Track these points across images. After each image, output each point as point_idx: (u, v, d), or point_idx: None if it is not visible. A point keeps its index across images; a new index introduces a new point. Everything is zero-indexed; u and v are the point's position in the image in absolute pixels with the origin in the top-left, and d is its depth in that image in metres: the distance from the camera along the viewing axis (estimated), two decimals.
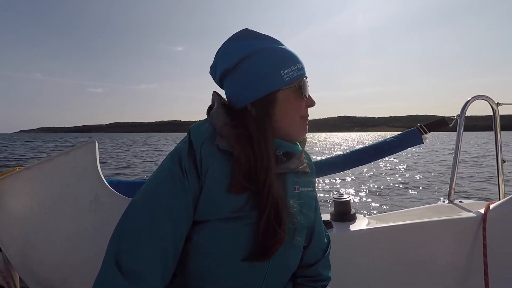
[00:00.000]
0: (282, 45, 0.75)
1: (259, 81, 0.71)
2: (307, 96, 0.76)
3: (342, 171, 1.61)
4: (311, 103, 0.78)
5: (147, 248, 0.60)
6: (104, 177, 1.17)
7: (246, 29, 0.76)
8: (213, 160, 0.67)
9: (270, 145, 0.70)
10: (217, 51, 0.77)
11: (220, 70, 0.76)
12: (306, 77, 0.77)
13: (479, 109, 1.70)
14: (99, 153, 1.19)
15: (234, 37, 0.75)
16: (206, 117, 0.78)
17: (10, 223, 1.08)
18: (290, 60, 0.73)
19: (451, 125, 1.71)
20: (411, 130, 1.69)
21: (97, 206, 1.13)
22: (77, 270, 1.13)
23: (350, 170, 1.71)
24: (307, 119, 0.79)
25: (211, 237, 0.66)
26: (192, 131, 0.71)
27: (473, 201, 1.75)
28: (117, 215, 1.13)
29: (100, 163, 1.19)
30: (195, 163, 0.67)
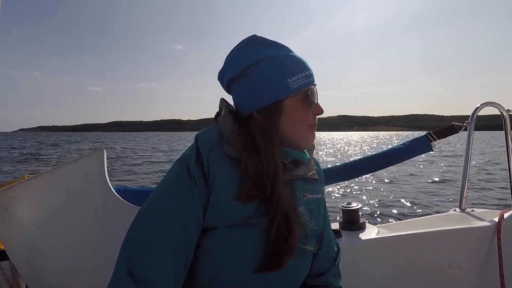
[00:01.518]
0: (291, 52, 0.75)
1: (264, 89, 0.71)
2: (316, 104, 0.75)
3: (352, 178, 1.59)
4: (319, 111, 0.76)
5: (158, 255, 0.60)
6: (111, 185, 1.17)
7: (255, 36, 0.76)
8: (220, 167, 0.67)
9: (277, 153, 0.69)
10: (226, 58, 0.78)
11: (228, 77, 0.76)
12: (315, 85, 0.76)
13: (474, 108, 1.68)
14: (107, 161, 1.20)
15: (242, 44, 0.75)
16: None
17: (17, 231, 1.08)
18: (298, 67, 0.72)
19: (460, 132, 1.68)
20: (420, 137, 1.68)
21: (104, 213, 1.13)
22: (84, 278, 1.12)
23: (359, 178, 1.69)
24: (315, 127, 0.77)
25: (220, 244, 0.66)
26: (199, 138, 0.71)
27: (485, 209, 1.71)
28: (124, 223, 1.13)
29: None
30: (202, 170, 0.67)
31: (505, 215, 1.39)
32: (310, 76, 0.74)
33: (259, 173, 0.66)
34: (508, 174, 1.66)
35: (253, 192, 0.65)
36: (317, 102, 0.76)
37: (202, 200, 0.66)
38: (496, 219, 1.39)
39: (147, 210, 0.65)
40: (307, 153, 0.80)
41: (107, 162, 1.19)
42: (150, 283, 0.57)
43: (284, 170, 0.72)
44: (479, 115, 1.64)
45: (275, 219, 0.65)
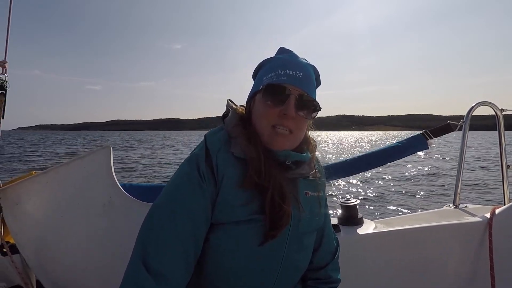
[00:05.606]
0: (293, 57, 0.79)
1: (254, 86, 0.80)
2: (269, 102, 0.73)
3: (350, 175, 1.64)
4: (286, 111, 0.72)
5: (170, 249, 0.64)
6: (118, 181, 1.20)
7: (281, 47, 0.83)
8: (228, 166, 0.71)
9: (258, 148, 0.73)
10: None
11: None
12: (288, 85, 0.73)
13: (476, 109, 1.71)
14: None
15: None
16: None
17: (27, 225, 1.11)
18: (279, 66, 0.76)
19: (456, 131, 1.73)
20: (416, 135, 1.72)
21: (111, 209, 1.16)
22: (91, 271, 1.16)
23: (357, 174, 1.74)
24: (285, 129, 0.74)
25: (227, 238, 0.70)
26: (208, 138, 0.75)
27: (478, 205, 1.76)
28: (130, 218, 1.16)
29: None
30: (212, 170, 0.70)
31: (497, 211, 1.44)
32: (285, 75, 0.74)
33: (257, 163, 0.71)
34: (501, 171, 1.72)
35: (254, 178, 0.69)
36: (285, 103, 0.72)
37: (211, 197, 0.70)
38: (488, 215, 1.44)
39: (160, 206, 0.69)
40: (308, 153, 0.83)
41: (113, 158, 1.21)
42: (163, 274, 0.61)
43: (286, 170, 0.76)
44: (476, 115, 1.68)
45: (268, 192, 0.70)
